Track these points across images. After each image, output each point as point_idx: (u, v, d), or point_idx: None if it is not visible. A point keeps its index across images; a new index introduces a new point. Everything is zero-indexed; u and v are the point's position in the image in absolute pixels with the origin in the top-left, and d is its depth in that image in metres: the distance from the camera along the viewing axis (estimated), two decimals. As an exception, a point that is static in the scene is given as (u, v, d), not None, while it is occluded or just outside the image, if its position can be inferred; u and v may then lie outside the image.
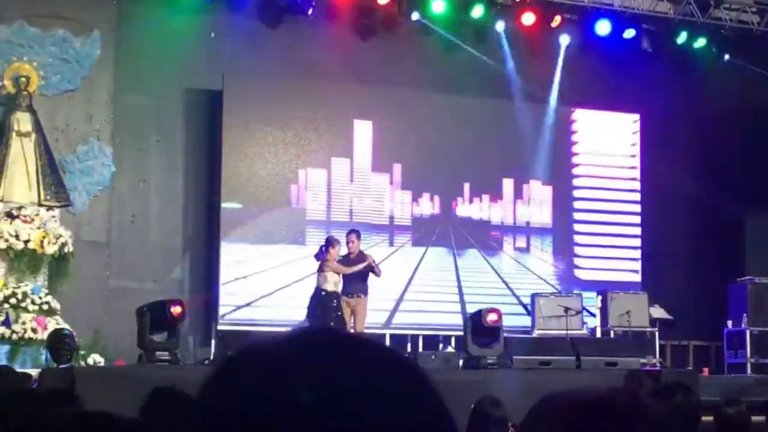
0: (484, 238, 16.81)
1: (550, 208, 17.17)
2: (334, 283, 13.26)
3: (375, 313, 15.54)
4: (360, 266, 13.53)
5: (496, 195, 16.86)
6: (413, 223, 16.39)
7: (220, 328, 14.59)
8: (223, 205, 15.09)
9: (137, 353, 11.47)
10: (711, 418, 6.50)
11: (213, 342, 14.50)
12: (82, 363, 11.93)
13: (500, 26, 16.44)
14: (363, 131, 16.11)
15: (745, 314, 15.46)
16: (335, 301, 13.23)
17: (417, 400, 1.11)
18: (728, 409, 6.15)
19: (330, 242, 13.50)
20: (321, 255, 13.35)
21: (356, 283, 13.60)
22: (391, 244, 16.24)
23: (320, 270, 13.29)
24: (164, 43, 14.72)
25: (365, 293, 13.71)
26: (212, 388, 1.12)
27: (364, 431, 1.05)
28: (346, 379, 1.08)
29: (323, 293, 13.18)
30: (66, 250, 13.07)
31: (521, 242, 17.05)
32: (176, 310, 11.18)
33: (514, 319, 15.45)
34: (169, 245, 15.00)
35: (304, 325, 12.57)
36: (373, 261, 13.71)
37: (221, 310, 14.85)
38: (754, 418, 6.28)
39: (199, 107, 15.47)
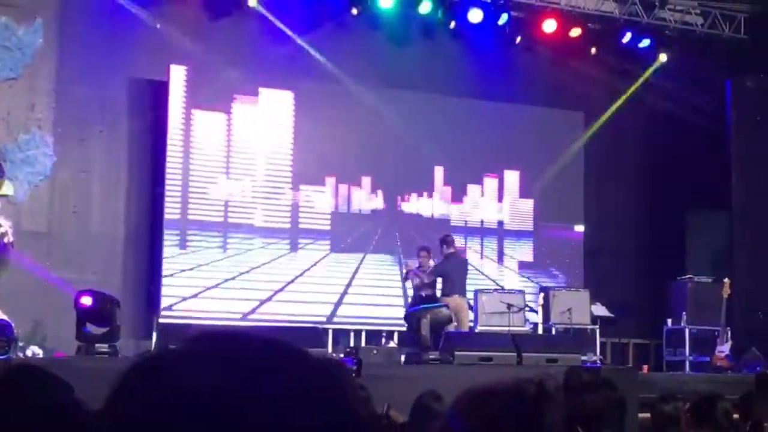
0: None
1: (500, 206, 17.28)
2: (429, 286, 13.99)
3: (318, 307, 15.58)
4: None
5: (441, 192, 16.93)
6: (356, 220, 16.39)
7: (161, 320, 14.49)
8: (167, 197, 15.03)
9: (77, 345, 11.34)
10: (648, 415, 6.57)
11: (154, 334, 14.39)
12: (21, 354, 11.78)
13: (451, 24, 16.58)
14: (308, 125, 16.07)
15: (684, 313, 15.65)
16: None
17: (331, 401, 1.10)
18: (664, 405, 6.23)
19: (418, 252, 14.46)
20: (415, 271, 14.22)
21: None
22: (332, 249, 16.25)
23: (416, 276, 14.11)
24: (109, 32, 14.59)
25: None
26: (120, 396, 1.10)
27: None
28: (252, 381, 1.06)
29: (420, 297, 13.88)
30: (6, 240, 12.88)
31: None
32: (85, 301, 11.00)
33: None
34: (111, 237, 14.87)
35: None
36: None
37: (163, 303, 14.78)
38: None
39: (143, 98, 15.34)
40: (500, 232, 17.29)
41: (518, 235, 17.36)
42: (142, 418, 1.05)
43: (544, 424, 1.69)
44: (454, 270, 14.35)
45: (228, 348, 1.11)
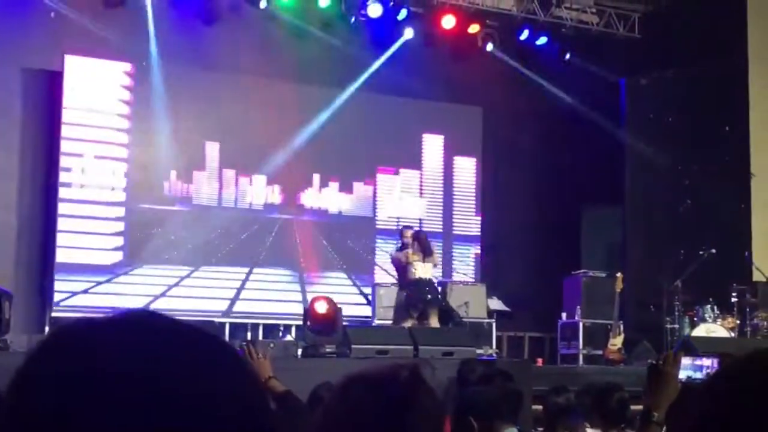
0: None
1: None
2: (422, 269, 13.85)
3: (216, 301, 15.49)
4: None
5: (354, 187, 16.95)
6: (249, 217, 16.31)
7: (54, 314, 14.26)
8: (60, 187, 14.80)
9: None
10: (541, 407, 6.67)
11: (47, 329, 14.15)
12: None
13: (351, 19, 16.57)
14: (208, 118, 15.94)
15: (578, 306, 15.87)
16: (429, 284, 13.90)
17: (237, 386, 1.10)
18: (556, 397, 6.32)
19: (402, 233, 14.35)
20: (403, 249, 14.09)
21: None
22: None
23: (408, 264, 13.86)
24: (2, 20, 14.30)
25: None
26: (33, 367, 1.09)
27: (184, 415, 1.04)
28: (166, 363, 1.06)
29: (417, 280, 13.75)
30: None
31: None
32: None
33: (358, 309, 15.69)
34: (4, 227, 14.58)
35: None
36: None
37: (56, 296, 14.55)
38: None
39: (38, 87, 15.08)
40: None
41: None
42: (46, 400, 1.04)
43: (416, 408, 1.71)
44: None
45: (140, 331, 1.11)
